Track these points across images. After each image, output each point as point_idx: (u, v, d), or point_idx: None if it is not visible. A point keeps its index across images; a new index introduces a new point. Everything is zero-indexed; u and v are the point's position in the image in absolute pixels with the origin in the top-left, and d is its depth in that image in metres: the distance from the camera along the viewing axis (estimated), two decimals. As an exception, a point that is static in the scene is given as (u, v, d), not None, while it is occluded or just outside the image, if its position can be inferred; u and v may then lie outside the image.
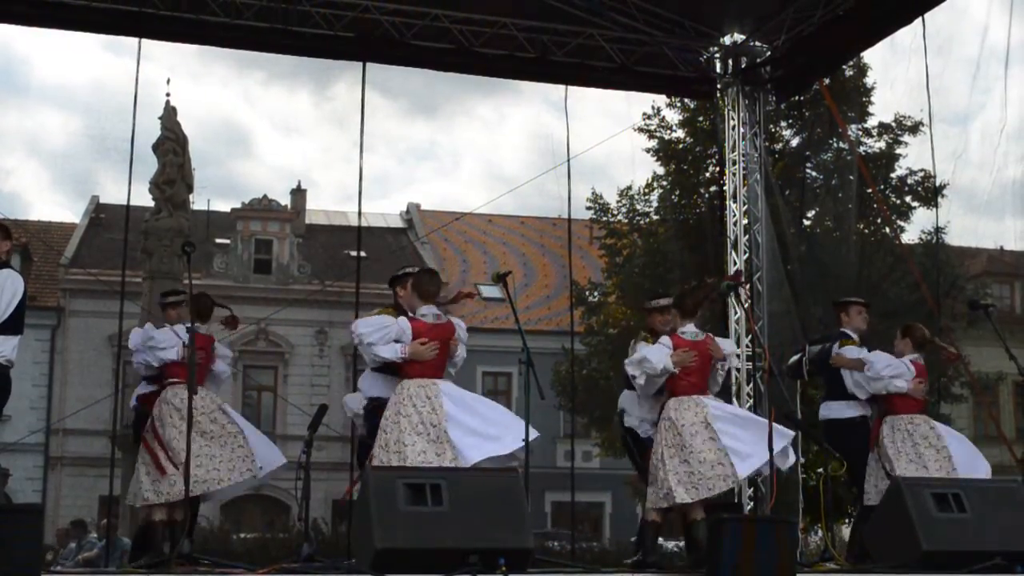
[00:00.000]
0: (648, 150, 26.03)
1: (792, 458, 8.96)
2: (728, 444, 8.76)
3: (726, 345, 9.48)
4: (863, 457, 9.88)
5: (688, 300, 9.34)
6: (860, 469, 9.87)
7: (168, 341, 9.23)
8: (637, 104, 29.49)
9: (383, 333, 8.37)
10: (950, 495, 8.43)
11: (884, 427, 9.87)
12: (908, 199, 25.47)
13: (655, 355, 8.99)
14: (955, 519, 8.31)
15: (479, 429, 8.22)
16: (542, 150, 33.41)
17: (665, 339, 9.11)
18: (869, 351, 10.18)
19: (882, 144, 25.53)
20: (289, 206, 39.69)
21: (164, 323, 9.55)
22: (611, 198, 27.88)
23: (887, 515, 8.66)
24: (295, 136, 67.84)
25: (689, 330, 9.16)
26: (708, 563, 7.55)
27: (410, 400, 8.21)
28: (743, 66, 14.89)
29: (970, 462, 9.87)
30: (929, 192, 24.62)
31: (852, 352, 10.12)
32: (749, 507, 13.51)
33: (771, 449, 8.61)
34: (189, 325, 8.74)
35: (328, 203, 60.40)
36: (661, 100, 25.66)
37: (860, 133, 25.16)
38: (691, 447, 8.77)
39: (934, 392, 23.15)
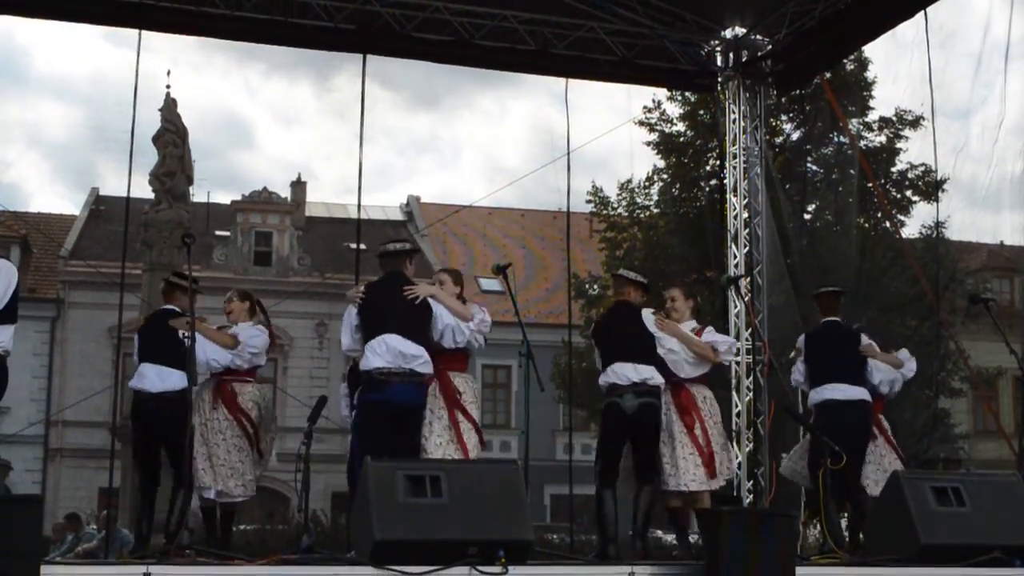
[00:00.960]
0: (648, 143, 26.05)
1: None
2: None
3: (719, 343, 9.52)
4: (867, 439, 9.96)
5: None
6: (863, 452, 9.94)
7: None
8: (638, 97, 29.46)
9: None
10: (949, 488, 8.44)
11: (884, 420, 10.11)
12: (908, 193, 25.47)
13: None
14: (954, 513, 8.32)
15: None
16: (543, 143, 33.53)
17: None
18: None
19: (883, 138, 25.53)
20: (289, 198, 39.69)
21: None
22: (611, 191, 27.90)
23: (886, 508, 8.68)
24: (296, 128, 67.92)
25: (688, 325, 9.28)
26: (707, 556, 7.55)
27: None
28: (744, 60, 14.88)
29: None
30: (930, 186, 24.62)
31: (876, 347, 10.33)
32: (748, 500, 13.54)
33: (770, 442, 8.63)
34: (189, 318, 8.72)
35: (329, 195, 60.54)
36: (662, 93, 25.69)
37: (861, 127, 25.16)
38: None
39: (933, 386, 23.28)
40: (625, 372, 9.09)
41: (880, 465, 10.12)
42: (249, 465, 9.37)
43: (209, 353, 9.28)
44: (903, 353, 10.56)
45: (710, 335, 9.57)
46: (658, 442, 9.24)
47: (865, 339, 10.33)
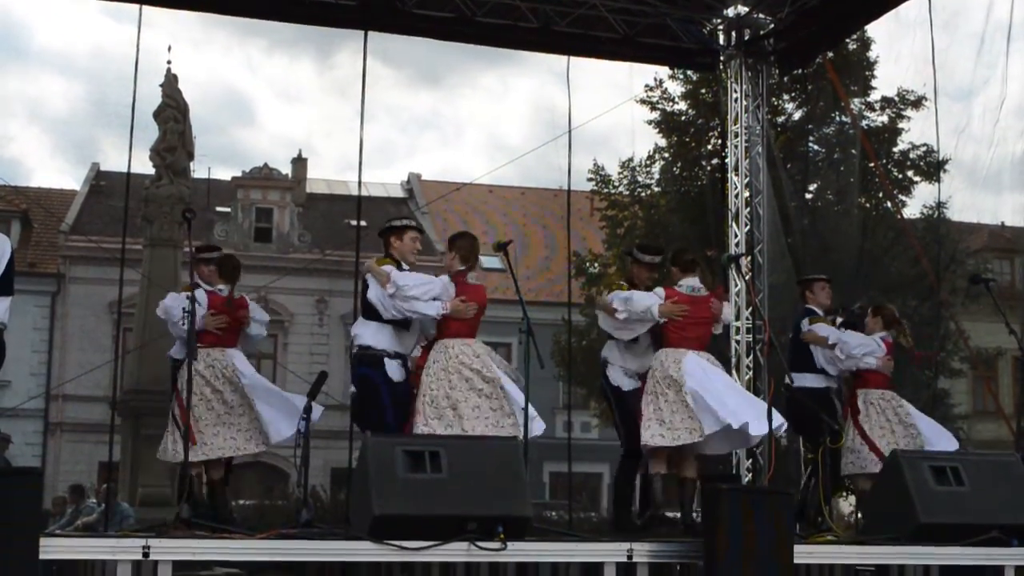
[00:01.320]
0: (650, 122, 26.00)
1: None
2: (704, 399, 8.78)
3: (726, 310, 9.47)
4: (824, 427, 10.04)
5: (687, 255, 9.35)
6: (821, 438, 9.99)
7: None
8: (639, 76, 29.43)
9: (426, 288, 8.52)
10: (948, 468, 8.46)
11: (858, 400, 10.14)
12: (910, 174, 25.44)
13: (642, 297, 9.03)
14: (953, 492, 8.34)
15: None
16: (545, 121, 33.43)
17: (659, 289, 9.14)
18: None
19: (884, 118, 25.49)
20: (290, 175, 39.66)
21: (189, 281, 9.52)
22: (612, 170, 27.86)
23: (885, 487, 8.69)
24: (297, 104, 67.78)
25: (687, 284, 9.12)
26: (705, 533, 7.56)
27: (457, 358, 8.42)
28: (746, 38, 14.86)
29: (936, 437, 10.16)
30: (931, 167, 24.59)
31: (823, 330, 10.41)
32: (747, 478, 13.57)
33: (770, 421, 8.63)
34: (189, 294, 8.71)
35: (330, 172, 60.51)
36: (663, 72, 25.62)
37: (863, 107, 25.11)
38: (667, 396, 8.83)
39: (933, 367, 23.30)
40: None
41: (857, 443, 10.17)
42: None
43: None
44: (838, 333, 10.49)
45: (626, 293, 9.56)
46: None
47: (806, 325, 10.47)
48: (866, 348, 10.26)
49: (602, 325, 9.45)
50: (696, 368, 8.90)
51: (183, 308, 8.74)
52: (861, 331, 10.53)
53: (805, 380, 10.32)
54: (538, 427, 8.31)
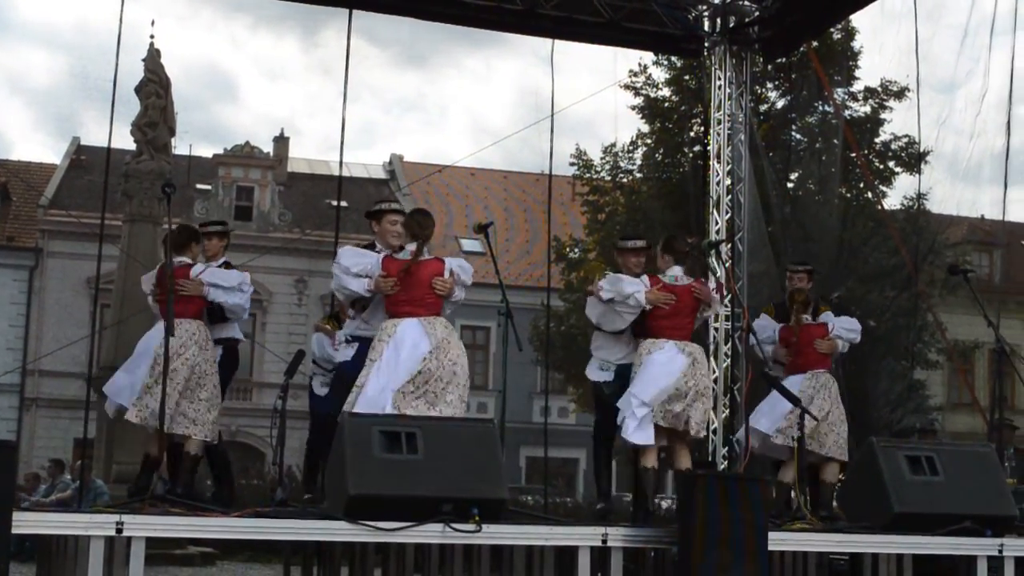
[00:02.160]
0: (633, 107, 25.97)
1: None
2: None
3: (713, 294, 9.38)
4: None
5: (679, 242, 9.28)
6: None
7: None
8: (623, 61, 29.36)
9: (356, 262, 8.49)
10: (923, 458, 8.48)
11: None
12: (891, 164, 25.49)
13: (629, 282, 8.92)
14: (927, 482, 8.37)
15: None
16: (529, 105, 33.30)
17: (644, 277, 9.01)
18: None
19: (867, 109, 25.52)
20: (272, 153, 39.56)
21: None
22: (595, 155, 27.84)
23: (860, 476, 8.72)
24: (281, 82, 67.57)
25: (671, 273, 9.05)
26: (680, 520, 7.58)
27: (378, 336, 8.30)
28: (731, 25, 14.85)
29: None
30: (913, 158, 24.62)
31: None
32: (723, 465, 13.60)
33: (747, 408, 8.64)
34: (169, 265, 8.63)
35: (313, 151, 60.38)
36: (648, 57, 25.59)
37: (846, 97, 25.14)
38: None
39: (909, 358, 23.39)
40: None
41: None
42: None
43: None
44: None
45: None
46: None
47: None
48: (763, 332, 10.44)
49: (589, 314, 9.32)
50: (663, 358, 8.83)
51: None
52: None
53: None
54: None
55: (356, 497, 6.92)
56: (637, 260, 9.28)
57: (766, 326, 10.43)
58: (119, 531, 6.65)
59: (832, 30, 22.56)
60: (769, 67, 22.38)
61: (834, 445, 9.82)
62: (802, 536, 8.26)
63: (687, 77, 24.46)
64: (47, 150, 75.80)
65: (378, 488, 6.97)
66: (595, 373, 9.29)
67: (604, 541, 7.51)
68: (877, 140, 25.35)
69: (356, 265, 8.42)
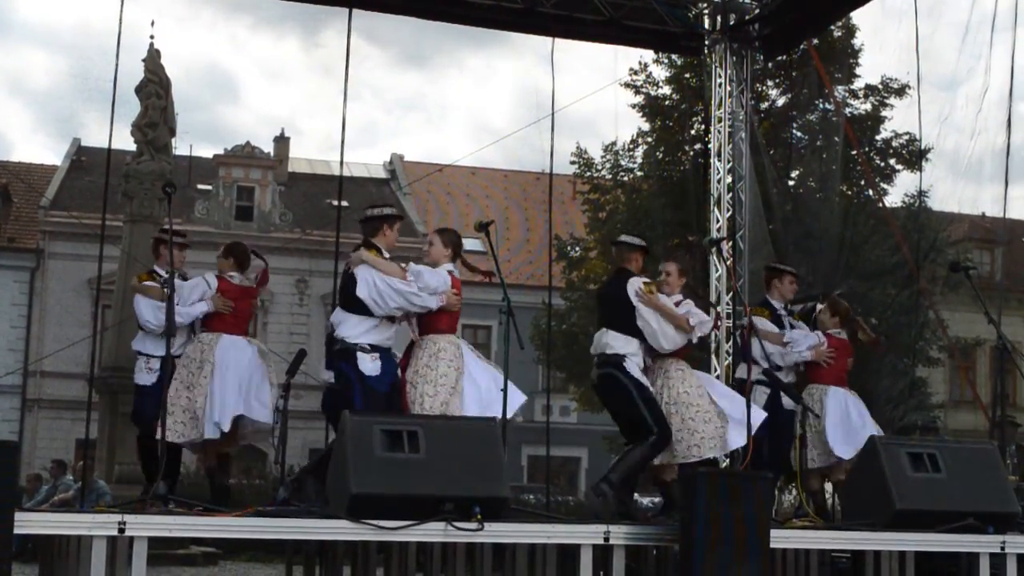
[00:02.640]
0: (634, 106, 25.95)
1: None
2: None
3: (694, 315, 9.41)
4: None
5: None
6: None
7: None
8: (624, 59, 29.34)
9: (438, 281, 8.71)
10: (925, 455, 8.48)
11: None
12: (892, 162, 25.48)
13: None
14: (929, 479, 8.37)
15: None
16: (530, 104, 33.38)
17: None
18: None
19: (868, 106, 25.50)
20: (272, 153, 39.56)
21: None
22: (596, 153, 27.81)
23: (862, 473, 8.71)
24: (281, 83, 67.57)
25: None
26: (681, 517, 7.57)
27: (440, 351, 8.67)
28: (731, 23, 14.83)
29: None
30: (913, 155, 24.62)
31: (767, 325, 10.35)
32: (725, 463, 13.57)
33: (748, 408, 8.66)
34: (169, 271, 8.64)
35: (314, 151, 60.35)
36: (648, 55, 25.58)
37: (846, 94, 25.12)
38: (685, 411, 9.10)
39: (911, 355, 23.36)
40: (596, 342, 9.24)
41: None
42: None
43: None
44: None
45: (687, 307, 9.48)
46: (625, 410, 9.15)
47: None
48: (810, 341, 10.35)
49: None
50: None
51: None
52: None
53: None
54: (517, 399, 8.34)
55: (358, 496, 6.92)
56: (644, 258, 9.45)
57: (806, 335, 10.39)
58: (121, 531, 6.65)
59: (833, 27, 22.55)
60: (770, 65, 22.37)
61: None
62: (804, 534, 8.26)
63: (688, 75, 24.43)
64: (48, 151, 75.90)
65: (380, 487, 6.97)
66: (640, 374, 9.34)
67: (606, 539, 7.51)
68: (878, 138, 25.33)
69: (439, 285, 8.59)
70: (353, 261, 8.58)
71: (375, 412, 7.88)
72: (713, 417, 9.08)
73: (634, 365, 9.10)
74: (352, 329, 8.48)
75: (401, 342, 8.75)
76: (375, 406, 8.24)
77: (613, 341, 9.10)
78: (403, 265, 8.62)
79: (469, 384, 8.50)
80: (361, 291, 8.39)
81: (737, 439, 8.99)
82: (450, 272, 8.73)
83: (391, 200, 37.81)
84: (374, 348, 8.47)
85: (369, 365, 8.42)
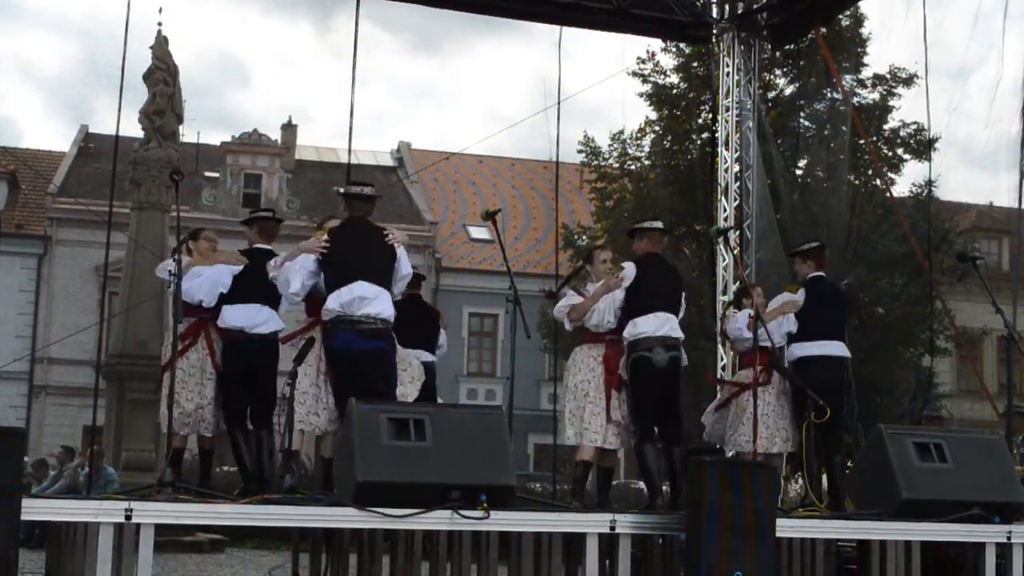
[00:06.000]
0: (641, 94, 25.95)
1: None
2: None
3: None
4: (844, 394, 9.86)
5: None
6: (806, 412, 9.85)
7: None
8: (632, 48, 29.36)
9: None
10: (932, 444, 8.47)
11: None
12: (900, 151, 25.46)
13: None
14: (936, 468, 8.35)
15: None
16: (540, 92, 33.26)
17: None
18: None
19: (876, 95, 25.48)
20: (280, 141, 39.56)
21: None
22: (603, 142, 27.80)
23: (868, 463, 8.70)
24: (292, 69, 67.48)
25: None
26: (688, 507, 7.57)
27: None
28: (739, 12, 14.81)
29: None
30: (921, 145, 24.60)
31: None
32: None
33: (755, 397, 8.65)
34: (176, 257, 8.63)
35: (324, 138, 60.30)
36: (656, 44, 25.57)
37: (854, 84, 25.10)
38: None
39: (919, 345, 23.33)
40: (655, 324, 9.03)
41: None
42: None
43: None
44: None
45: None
46: (678, 396, 9.12)
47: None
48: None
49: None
50: None
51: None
52: None
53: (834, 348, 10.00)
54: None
55: (364, 484, 6.92)
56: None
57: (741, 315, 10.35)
58: (128, 518, 6.65)
59: (841, 16, 22.51)
60: (777, 54, 22.35)
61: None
62: (810, 523, 8.25)
63: (695, 64, 24.45)
64: (56, 137, 75.80)
65: (386, 475, 6.96)
66: None
67: (612, 528, 7.51)
68: (885, 127, 25.33)
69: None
70: (398, 236, 8.57)
71: (382, 400, 7.86)
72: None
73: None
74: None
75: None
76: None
77: (674, 324, 9.11)
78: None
79: None
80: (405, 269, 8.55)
81: None
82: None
83: (398, 188, 37.85)
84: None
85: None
